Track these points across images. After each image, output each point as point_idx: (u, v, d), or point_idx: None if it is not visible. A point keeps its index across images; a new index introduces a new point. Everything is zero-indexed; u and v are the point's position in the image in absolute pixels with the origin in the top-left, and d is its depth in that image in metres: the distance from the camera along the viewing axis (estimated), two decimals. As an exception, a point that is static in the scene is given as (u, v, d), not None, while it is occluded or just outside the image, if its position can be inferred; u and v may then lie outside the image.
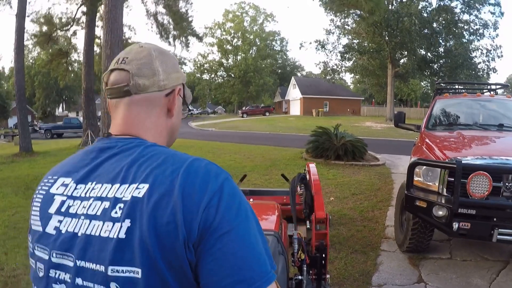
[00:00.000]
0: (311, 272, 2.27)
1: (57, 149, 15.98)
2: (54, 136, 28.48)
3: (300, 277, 2.07)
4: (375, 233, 4.77)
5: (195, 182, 0.70)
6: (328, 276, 2.33)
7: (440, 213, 3.16)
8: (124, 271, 0.67)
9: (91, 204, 0.74)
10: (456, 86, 7.50)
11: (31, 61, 42.35)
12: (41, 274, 0.76)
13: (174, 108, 0.89)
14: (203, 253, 0.66)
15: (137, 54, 0.85)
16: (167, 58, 0.89)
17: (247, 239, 0.68)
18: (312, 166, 3.07)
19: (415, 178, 3.45)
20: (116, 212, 0.70)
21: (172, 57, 0.91)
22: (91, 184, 0.77)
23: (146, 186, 0.70)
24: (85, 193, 0.76)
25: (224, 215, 0.68)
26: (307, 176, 2.87)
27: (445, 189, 3.29)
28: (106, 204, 0.72)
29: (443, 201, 3.19)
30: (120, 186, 0.73)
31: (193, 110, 76.22)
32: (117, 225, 0.69)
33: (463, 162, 3.01)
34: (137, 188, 0.71)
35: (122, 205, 0.70)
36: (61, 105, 60.78)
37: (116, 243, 0.67)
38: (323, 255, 2.26)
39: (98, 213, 0.72)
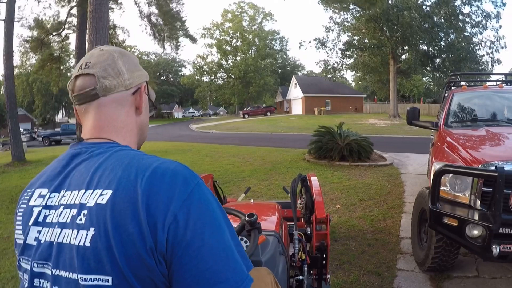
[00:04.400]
0: (312, 272, 2.27)
1: (51, 157, 15.48)
2: (52, 143, 28.22)
3: (301, 277, 2.06)
4: (389, 247, 4.16)
5: (161, 189, 0.68)
6: (329, 276, 2.31)
7: (475, 232, 2.54)
8: (93, 279, 0.66)
9: (61, 212, 0.74)
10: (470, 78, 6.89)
11: (29, 68, 42.15)
12: (26, 284, 0.77)
13: (142, 105, 0.90)
14: (177, 268, 0.65)
15: (99, 57, 0.86)
16: (128, 58, 0.90)
17: (221, 250, 0.67)
18: (314, 180, 2.91)
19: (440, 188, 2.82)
20: (80, 219, 0.70)
21: (133, 57, 0.93)
22: (63, 192, 0.77)
23: (110, 192, 0.69)
24: (58, 202, 0.76)
25: (196, 229, 0.66)
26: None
27: (478, 202, 2.67)
28: (74, 211, 0.72)
29: (478, 218, 2.57)
30: (85, 192, 0.72)
31: (194, 112, 76.08)
32: (82, 232, 0.69)
33: (505, 168, 2.39)
34: (101, 194, 0.70)
35: (86, 211, 0.70)
36: (60, 111, 60.55)
37: (83, 251, 0.67)
38: (324, 255, 2.25)
39: (68, 221, 0.72)
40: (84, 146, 0.82)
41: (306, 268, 2.11)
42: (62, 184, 0.78)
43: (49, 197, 0.78)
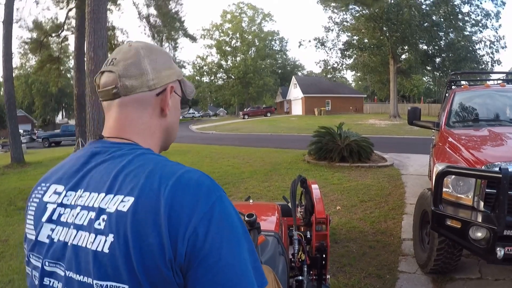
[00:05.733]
0: (311, 272, 2.26)
1: (51, 159, 15.44)
2: (52, 144, 28.15)
3: (300, 277, 2.05)
4: (391, 249, 4.11)
5: (184, 200, 0.67)
6: (328, 276, 2.31)
7: (479, 235, 2.49)
8: (109, 286, 0.65)
9: (78, 213, 0.72)
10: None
11: (29, 69, 42.20)
12: (36, 282, 0.75)
13: (167, 107, 0.86)
14: (191, 280, 0.65)
15: (125, 54, 0.83)
16: (157, 55, 0.85)
17: (237, 267, 0.66)
18: (315, 188, 2.84)
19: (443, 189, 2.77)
20: (99, 224, 0.68)
21: (163, 54, 0.88)
22: (80, 191, 0.75)
23: (132, 199, 0.67)
24: (74, 201, 0.74)
25: (214, 243, 0.65)
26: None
27: (482, 203, 2.62)
28: (92, 214, 0.70)
29: (481, 220, 2.52)
30: (105, 196, 0.70)
31: (194, 113, 76.06)
32: (100, 237, 0.67)
33: (510, 169, 2.33)
34: (122, 201, 0.68)
35: (105, 216, 0.68)
36: (60, 112, 60.54)
37: (100, 257, 0.66)
38: (324, 256, 2.25)
39: (85, 223, 0.70)
40: (105, 145, 0.80)
41: (305, 269, 2.09)
42: (80, 183, 0.76)
43: (65, 195, 0.76)
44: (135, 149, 0.78)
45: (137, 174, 0.71)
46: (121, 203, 0.68)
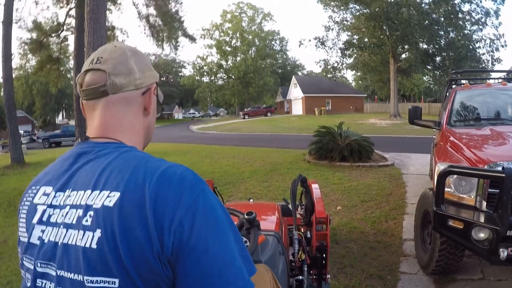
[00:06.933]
0: (311, 272, 2.26)
1: (50, 159, 15.35)
2: (52, 145, 28.10)
3: (300, 277, 2.05)
4: (392, 249, 4.07)
5: (168, 193, 0.68)
6: (328, 276, 2.31)
7: (482, 235, 2.46)
8: (99, 281, 0.66)
9: (67, 212, 0.73)
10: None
11: (29, 70, 42.19)
12: (29, 284, 0.76)
13: (151, 106, 0.90)
14: (180, 272, 0.66)
15: (112, 53, 0.84)
16: (140, 57, 0.89)
17: (224, 256, 0.67)
18: (315, 187, 2.82)
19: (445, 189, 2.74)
20: (87, 220, 0.69)
21: (145, 56, 0.91)
22: (69, 191, 0.76)
23: (117, 194, 0.69)
24: (64, 201, 0.75)
25: (200, 234, 0.66)
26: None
27: (484, 203, 2.59)
28: (80, 211, 0.71)
29: (484, 220, 2.48)
30: (91, 192, 0.72)
31: (194, 113, 76.07)
32: (88, 234, 0.68)
33: (513, 169, 2.30)
34: (108, 196, 0.69)
35: (92, 212, 0.69)
36: (61, 113, 60.56)
37: (89, 253, 0.67)
38: (324, 255, 2.25)
39: (74, 222, 0.71)
40: (91, 145, 0.81)
41: (306, 268, 2.10)
42: (68, 184, 0.77)
43: (54, 196, 0.77)
44: (120, 147, 0.80)
45: (121, 170, 0.72)
46: (107, 198, 0.69)
